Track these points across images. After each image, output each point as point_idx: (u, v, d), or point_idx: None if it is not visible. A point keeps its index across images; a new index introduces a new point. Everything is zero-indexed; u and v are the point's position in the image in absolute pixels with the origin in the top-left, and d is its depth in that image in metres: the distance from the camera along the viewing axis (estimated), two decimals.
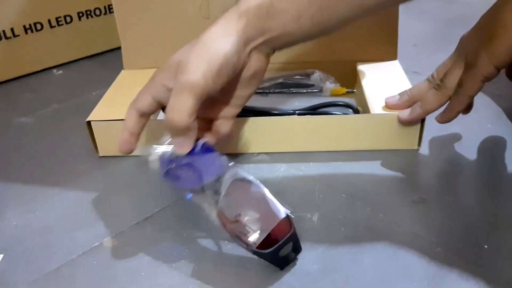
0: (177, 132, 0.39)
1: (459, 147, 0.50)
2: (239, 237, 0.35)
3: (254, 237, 0.34)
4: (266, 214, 0.35)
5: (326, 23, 0.40)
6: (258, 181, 0.37)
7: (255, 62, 0.41)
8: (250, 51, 0.40)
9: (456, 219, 0.41)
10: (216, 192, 0.37)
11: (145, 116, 0.42)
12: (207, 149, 0.40)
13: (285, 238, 0.35)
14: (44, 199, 0.47)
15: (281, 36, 0.40)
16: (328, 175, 0.47)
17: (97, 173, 0.50)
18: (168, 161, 0.40)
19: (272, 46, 0.41)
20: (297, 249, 0.37)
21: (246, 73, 0.41)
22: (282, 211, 0.35)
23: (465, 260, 0.36)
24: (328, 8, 0.39)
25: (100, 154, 0.53)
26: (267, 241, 0.34)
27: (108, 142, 0.52)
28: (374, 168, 0.48)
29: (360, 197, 0.44)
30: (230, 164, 0.39)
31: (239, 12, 0.39)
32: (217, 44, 0.39)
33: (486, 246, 0.38)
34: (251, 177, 0.38)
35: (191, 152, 0.39)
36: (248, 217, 0.35)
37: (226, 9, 0.41)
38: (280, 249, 0.35)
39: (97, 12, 0.78)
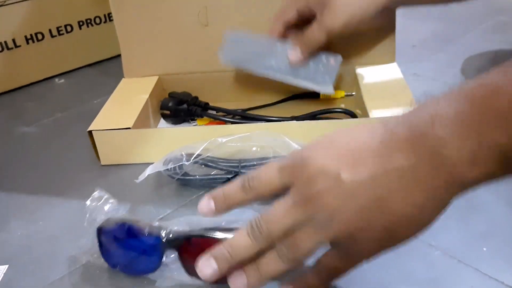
0: (302, 47, 0.52)
1: None
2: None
3: None
4: None
5: None
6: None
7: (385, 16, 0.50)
8: (388, 9, 0.48)
9: (455, 222, 0.41)
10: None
11: (288, 25, 0.53)
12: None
13: None
14: (48, 208, 0.47)
15: None
16: None
17: (100, 182, 0.51)
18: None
19: (405, 2, 0.50)
20: None
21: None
22: None
23: (465, 263, 0.37)
24: None
25: (102, 163, 0.53)
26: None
27: (110, 151, 0.52)
28: None
29: None
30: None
31: None
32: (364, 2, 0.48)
33: (485, 249, 0.38)
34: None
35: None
36: None
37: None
38: None
39: (97, 20, 0.79)
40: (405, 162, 0.26)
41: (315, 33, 0.50)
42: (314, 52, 0.52)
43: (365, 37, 0.59)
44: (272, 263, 0.29)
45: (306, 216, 0.28)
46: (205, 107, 0.59)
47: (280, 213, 0.28)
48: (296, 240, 0.28)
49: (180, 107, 0.58)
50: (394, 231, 0.27)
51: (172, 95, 0.60)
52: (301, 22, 0.52)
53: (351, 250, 0.28)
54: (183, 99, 0.59)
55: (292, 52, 0.52)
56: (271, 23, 0.54)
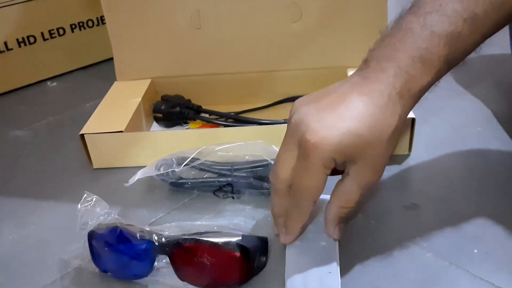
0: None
1: (449, 152, 0.51)
2: None
3: None
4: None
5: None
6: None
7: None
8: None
9: (447, 224, 0.41)
10: None
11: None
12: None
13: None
14: (39, 212, 0.47)
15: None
16: None
17: (91, 186, 0.50)
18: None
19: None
20: (265, 253, 0.38)
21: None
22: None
23: (456, 265, 0.37)
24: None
25: (94, 167, 0.53)
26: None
27: (102, 155, 0.52)
28: None
29: None
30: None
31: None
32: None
33: (476, 251, 0.38)
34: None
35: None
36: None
37: None
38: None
39: (90, 23, 0.79)
40: (360, 76, 0.34)
41: (354, 192, 0.35)
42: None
43: (357, 40, 0.59)
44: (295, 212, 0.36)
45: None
46: (198, 110, 0.59)
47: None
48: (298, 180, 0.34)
49: (172, 110, 0.58)
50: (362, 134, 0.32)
51: (164, 98, 0.60)
52: None
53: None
54: (176, 102, 0.59)
55: (330, 230, 0.37)
56: (300, 203, 0.36)
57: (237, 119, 0.58)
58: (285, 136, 0.36)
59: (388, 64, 0.33)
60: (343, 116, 0.33)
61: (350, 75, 0.36)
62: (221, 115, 0.59)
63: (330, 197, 0.36)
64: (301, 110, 0.35)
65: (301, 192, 0.35)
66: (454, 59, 0.35)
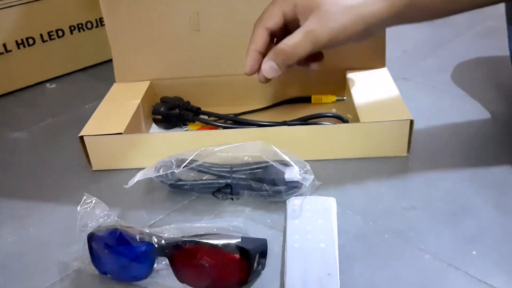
0: (279, 60, 0.44)
1: (447, 153, 0.51)
2: None
3: None
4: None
5: (456, 4, 0.42)
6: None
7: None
8: (385, 27, 0.44)
9: (445, 226, 0.41)
10: None
11: (270, 34, 0.45)
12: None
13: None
14: (38, 214, 0.47)
15: (421, 10, 0.41)
16: (318, 184, 0.47)
17: (91, 187, 0.50)
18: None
19: (405, 22, 0.43)
20: (264, 254, 0.38)
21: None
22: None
23: (454, 266, 0.37)
24: None
25: (94, 168, 0.53)
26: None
27: (101, 156, 0.52)
28: (364, 176, 0.48)
29: (351, 205, 0.44)
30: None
31: None
32: (366, 12, 0.40)
33: (474, 252, 0.38)
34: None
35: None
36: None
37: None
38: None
39: (89, 25, 0.79)
40: None
41: (299, 42, 0.42)
42: (293, 65, 0.44)
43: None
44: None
45: None
46: (197, 111, 0.60)
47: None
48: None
49: (171, 112, 0.58)
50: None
51: (163, 100, 0.60)
52: (283, 32, 0.45)
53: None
54: (175, 104, 0.59)
55: (266, 65, 0.44)
56: (253, 30, 0.46)
57: (236, 121, 0.58)
58: None
59: None
60: None
61: None
62: (220, 117, 0.59)
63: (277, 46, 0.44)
64: None
65: (260, 18, 0.45)
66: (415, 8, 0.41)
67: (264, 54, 0.46)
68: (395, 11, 0.40)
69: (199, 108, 0.60)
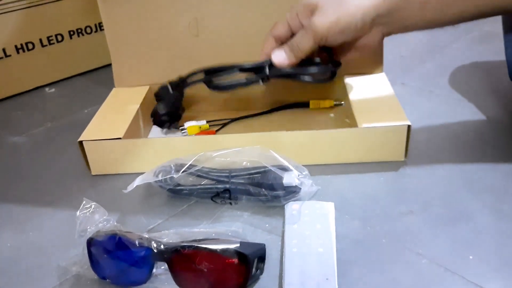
0: (287, 49, 0.50)
1: (445, 158, 0.51)
2: None
3: None
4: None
5: (446, 16, 0.46)
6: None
7: (372, 36, 0.49)
8: (372, 26, 0.47)
9: (442, 230, 0.41)
10: None
11: (279, 41, 0.52)
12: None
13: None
14: (38, 219, 0.47)
15: (404, 21, 0.47)
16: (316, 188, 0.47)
17: (90, 192, 0.51)
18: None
19: (391, 29, 0.48)
20: (262, 259, 0.39)
21: (361, 41, 0.50)
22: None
23: (451, 271, 0.37)
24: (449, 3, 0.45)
25: (93, 173, 0.53)
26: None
27: (100, 161, 0.53)
28: (362, 180, 0.49)
29: (348, 210, 0.45)
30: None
31: None
32: (353, 7, 0.46)
33: (471, 257, 0.38)
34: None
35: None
36: None
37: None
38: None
39: (88, 30, 0.79)
40: None
41: (302, 38, 0.49)
42: (302, 58, 0.51)
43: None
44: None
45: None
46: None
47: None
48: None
49: (170, 111, 0.58)
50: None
51: (158, 97, 0.59)
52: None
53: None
54: (170, 102, 0.58)
55: (277, 53, 0.51)
56: (263, 40, 0.53)
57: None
58: None
59: None
60: None
61: None
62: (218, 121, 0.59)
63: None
64: None
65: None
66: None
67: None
68: (390, 4, 0.45)
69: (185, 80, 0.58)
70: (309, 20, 0.48)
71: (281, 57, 0.50)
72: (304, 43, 0.49)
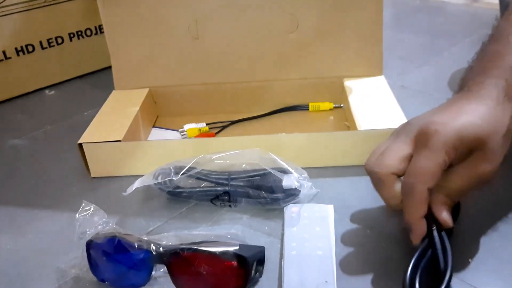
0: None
1: None
2: None
3: None
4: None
5: None
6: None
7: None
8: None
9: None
10: None
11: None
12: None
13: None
14: (37, 221, 0.47)
15: None
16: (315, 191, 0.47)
17: (89, 195, 0.51)
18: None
19: None
20: (262, 262, 0.38)
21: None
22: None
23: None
24: None
25: (92, 175, 0.53)
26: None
27: (100, 164, 0.53)
28: (361, 183, 0.49)
29: (348, 213, 0.44)
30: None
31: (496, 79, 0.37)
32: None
33: (470, 260, 0.38)
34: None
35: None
36: None
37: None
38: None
39: (88, 32, 0.79)
40: (462, 92, 0.38)
41: (462, 180, 0.36)
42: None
43: (353, 49, 0.60)
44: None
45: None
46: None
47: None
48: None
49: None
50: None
51: None
52: None
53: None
54: None
55: (443, 214, 0.36)
56: (413, 192, 0.35)
57: None
58: (393, 133, 0.39)
59: (486, 77, 0.37)
60: (460, 112, 0.36)
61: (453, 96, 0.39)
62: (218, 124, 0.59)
63: (438, 185, 0.35)
64: (415, 118, 0.38)
65: (415, 175, 0.35)
66: None
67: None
68: None
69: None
70: (474, 164, 0.35)
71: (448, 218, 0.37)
72: (465, 189, 0.36)
